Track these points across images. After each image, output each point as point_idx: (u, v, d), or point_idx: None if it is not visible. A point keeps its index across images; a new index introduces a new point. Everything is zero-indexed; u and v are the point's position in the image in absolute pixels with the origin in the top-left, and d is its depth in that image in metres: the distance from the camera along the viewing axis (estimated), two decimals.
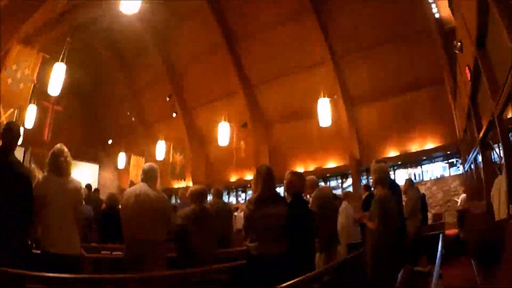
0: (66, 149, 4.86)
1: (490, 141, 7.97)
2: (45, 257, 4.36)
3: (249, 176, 25.11)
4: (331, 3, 20.92)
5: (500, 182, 6.28)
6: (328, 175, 23.92)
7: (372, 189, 7.55)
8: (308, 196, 6.96)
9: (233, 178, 27.10)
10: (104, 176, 32.07)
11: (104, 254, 7.01)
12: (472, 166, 11.77)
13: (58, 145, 4.88)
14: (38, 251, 4.44)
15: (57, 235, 4.45)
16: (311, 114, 21.00)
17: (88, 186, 12.13)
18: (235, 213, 13.70)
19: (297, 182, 5.65)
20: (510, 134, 6.19)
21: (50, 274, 3.60)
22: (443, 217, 16.96)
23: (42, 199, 4.43)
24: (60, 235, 4.48)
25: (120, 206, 6.92)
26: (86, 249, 5.14)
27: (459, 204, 16.33)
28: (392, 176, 19.42)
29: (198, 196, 6.26)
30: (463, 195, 16.44)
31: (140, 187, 5.52)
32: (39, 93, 17.64)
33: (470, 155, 11.33)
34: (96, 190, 13.07)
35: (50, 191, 4.51)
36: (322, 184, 22.98)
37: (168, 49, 27.53)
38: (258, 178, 5.13)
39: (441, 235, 8.57)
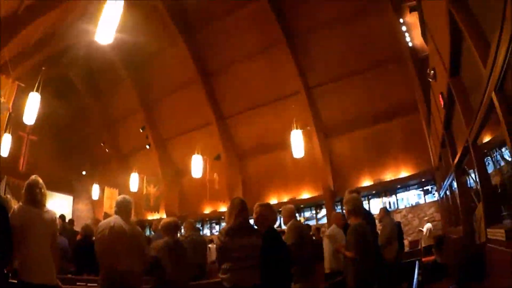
0: (41, 181, 4.89)
1: (466, 167, 8.06)
2: (22, 287, 4.32)
3: (223, 208, 25.01)
4: (304, 36, 21.22)
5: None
6: (302, 206, 23.91)
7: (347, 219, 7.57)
8: (284, 225, 6.96)
9: (207, 210, 26.99)
10: (79, 208, 31.63)
11: (80, 286, 6.90)
12: (448, 192, 11.88)
13: (33, 177, 4.90)
14: (15, 281, 4.38)
15: (34, 265, 4.44)
16: (285, 145, 21.13)
17: (62, 217, 11.94)
18: (209, 245, 13.61)
19: (268, 213, 5.67)
20: (485, 159, 6.27)
21: None
22: (420, 244, 17.03)
23: (19, 229, 4.39)
24: (37, 265, 4.47)
25: (94, 238, 6.85)
26: (62, 280, 5.06)
27: (424, 233, 16.44)
28: (366, 206, 19.53)
29: (171, 228, 6.31)
30: (428, 225, 16.61)
31: (114, 219, 5.49)
32: (15, 123, 17.42)
33: (446, 182, 11.44)
34: (71, 221, 12.87)
35: (26, 222, 4.51)
36: (296, 215, 22.99)
37: (142, 81, 27.56)
38: (232, 210, 5.14)
39: (417, 262, 8.62)
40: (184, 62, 24.46)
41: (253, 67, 23.09)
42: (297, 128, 18.82)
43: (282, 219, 7.02)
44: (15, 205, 4.87)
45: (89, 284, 6.86)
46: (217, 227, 27.21)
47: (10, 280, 4.40)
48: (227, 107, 25.16)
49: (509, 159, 5.03)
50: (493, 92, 4.28)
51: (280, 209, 7.09)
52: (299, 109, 21.51)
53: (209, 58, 24.56)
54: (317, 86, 21.83)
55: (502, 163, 5.37)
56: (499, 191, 5.59)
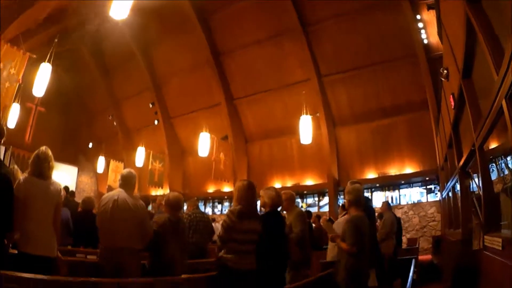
0: (50, 153, 4.85)
1: (470, 171, 8.04)
2: (22, 258, 4.32)
3: (226, 188, 25.14)
4: (319, 25, 21.05)
5: None
6: (305, 192, 23.96)
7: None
8: (284, 211, 6.94)
9: (211, 189, 27.09)
10: (83, 180, 31.79)
11: (79, 257, 6.93)
12: (450, 194, 11.85)
13: (43, 148, 4.85)
14: (15, 252, 4.38)
15: (35, 237, 4.43)
16: (292, 131, 21.12)
17: (66, 189, 11.94)
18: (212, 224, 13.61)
19: (273, 197, 5.70)
20: (489, 165, 6.25)
21: (27, 275, 3.56)
22: (417, 242, 17.03)
23: (22, 200, 4.39)
24: (38, 237, 4.46)
25: (96, 211, 6.86)
26: (62, 252, 5.08)
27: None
28: (369, 198, 19.53)
29: (175, 205, 6.19)
30: None
31: (119, 192, 5.47)
32: (23, 94, 17.44)
33: (449, 183, 11.40)
34: (72, 192, 12.86)
35: (31, 193, 4.49)
36: (298, 200, 23.10)
37: (153, 58, 27.48)
38: (243, 192, 5.15)
39: (413, 260, 8.62)
40: (197, 42, 24.34)
41: (265, 52, 22.97)
42: (306, 114, 18.73)
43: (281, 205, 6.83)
44: (21, 176, 4.86)
45: (88, 256, 6.88)
46: (219, 207, 27.38)
47: (11, 251, 4.43)
48: (237, 89, 25.07)
49: None
50: (504, 100, 4.26)
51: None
52: (309, 96, 21.39)
53: (222, 40, 24.40)
54: (329, 75, 21.72)
55: (506, 172, 5.34)
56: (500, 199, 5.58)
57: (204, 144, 21.66)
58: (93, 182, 32.15)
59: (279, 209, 6.25)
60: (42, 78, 15.21)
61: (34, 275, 3.61)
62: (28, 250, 4.36)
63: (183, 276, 5.31)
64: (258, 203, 5.91)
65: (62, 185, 5.63)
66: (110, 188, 21.91)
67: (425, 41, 17.58)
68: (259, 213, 5.54)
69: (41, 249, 4.45)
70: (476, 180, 7.26)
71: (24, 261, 4.28)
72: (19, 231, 4.36)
